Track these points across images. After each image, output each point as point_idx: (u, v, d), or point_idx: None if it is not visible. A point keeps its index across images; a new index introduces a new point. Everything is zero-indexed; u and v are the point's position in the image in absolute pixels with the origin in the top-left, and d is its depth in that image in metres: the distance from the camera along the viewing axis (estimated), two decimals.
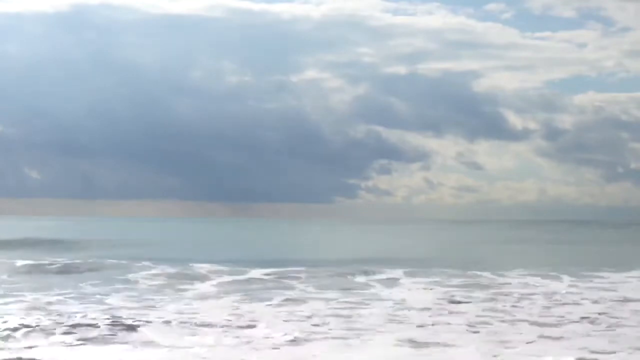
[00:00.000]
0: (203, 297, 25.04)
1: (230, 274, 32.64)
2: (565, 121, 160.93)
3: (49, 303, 22.47)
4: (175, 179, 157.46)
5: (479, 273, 33.32)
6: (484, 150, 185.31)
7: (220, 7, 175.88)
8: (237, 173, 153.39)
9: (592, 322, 19.76)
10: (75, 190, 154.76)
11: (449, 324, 19.27)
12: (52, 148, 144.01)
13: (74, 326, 17.74)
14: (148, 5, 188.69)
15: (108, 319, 18.68)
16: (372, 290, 27.31)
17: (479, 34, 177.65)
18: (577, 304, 23.59)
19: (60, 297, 23.98)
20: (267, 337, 16.91)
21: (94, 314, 19.63)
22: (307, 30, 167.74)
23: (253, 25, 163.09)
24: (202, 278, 31.07)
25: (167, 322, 18.72)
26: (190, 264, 36.50)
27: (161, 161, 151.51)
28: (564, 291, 27.04)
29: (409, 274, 32.68)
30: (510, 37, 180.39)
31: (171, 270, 33.95)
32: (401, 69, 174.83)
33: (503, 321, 19.77)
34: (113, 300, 23.57)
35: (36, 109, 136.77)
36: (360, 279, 31.45)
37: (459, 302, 23.72)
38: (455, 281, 30.26)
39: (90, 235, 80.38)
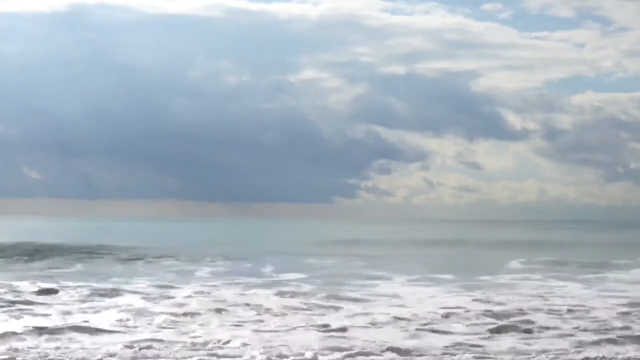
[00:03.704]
0: None
1: None
2: (564, 121, 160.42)
3: None
4: (175, 179, 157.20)
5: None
6: (484, 150, 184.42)
7: (218, 7, 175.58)
8: (237, 173, 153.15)
9: None
10: (75, 190, 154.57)
11: None
12: (52, 148, 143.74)
13: None
14: (146, 5, 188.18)
15: None
16: None
17: (477, 34, 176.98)
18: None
19: None
20: None
21: None
22: (305, 30, 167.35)
23: (251, 25, 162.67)
24: None
25: None
26: None
27: (161, 161, 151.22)
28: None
29: None
30: (509, 36, 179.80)
31: None
32: (400, 69, 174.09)
33: None
34: None
35: (35, 109, 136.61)
36: None
37: None
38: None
39: (136, 240, 67.76)
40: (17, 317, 19.76)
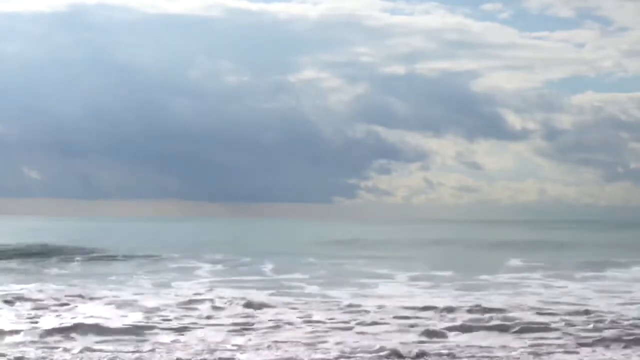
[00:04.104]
0: None
1: None
2: (564, 121, 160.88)
3: None
4: (175, 179, 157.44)
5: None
6: (484, 150, 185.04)
7: (218, 7, 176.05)
8: (237, 173, 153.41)
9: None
10: (75, 190, 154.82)
11: None
12: (52, 148, 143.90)
13: None
14: (146, 5, 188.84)
15: None
16: None
17: (476, 34, 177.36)
18: None
19: None
20: None
21: None
22: (304, 30, 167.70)
23: (251, 25, 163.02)
24: None
25: None
26: None
27: (161, 161, 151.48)
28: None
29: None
30: (508, 36, 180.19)
31: None
32: (399, 69, 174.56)
33: None
34: None
35: (35, 109, 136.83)
36: None
37: None
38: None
39: (136, 240, 68.84)
40: (15, 316, 19.76)
